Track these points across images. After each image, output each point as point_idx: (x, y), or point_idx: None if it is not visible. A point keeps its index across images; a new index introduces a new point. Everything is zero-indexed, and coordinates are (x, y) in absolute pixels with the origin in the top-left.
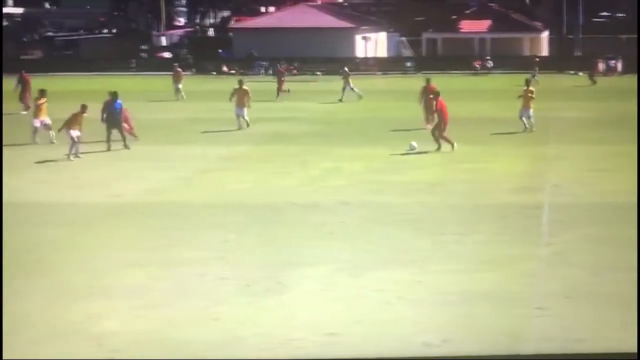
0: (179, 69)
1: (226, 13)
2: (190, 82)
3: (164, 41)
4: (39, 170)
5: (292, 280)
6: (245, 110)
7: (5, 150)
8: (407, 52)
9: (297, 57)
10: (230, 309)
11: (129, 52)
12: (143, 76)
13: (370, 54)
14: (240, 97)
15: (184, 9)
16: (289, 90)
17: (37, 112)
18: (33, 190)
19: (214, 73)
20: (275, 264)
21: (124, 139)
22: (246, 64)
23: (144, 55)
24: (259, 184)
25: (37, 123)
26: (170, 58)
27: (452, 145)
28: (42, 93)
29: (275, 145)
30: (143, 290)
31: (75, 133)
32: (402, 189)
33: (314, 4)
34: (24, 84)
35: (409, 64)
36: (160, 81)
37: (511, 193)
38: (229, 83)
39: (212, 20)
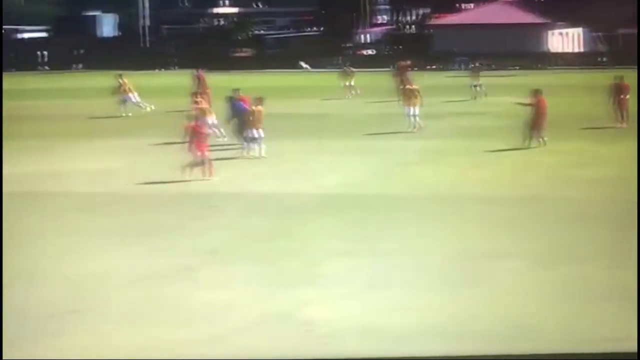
0: (345, 68)
1: (426, 10)
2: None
3: (366, 39)
4: (244, 164)
5: (484, 273)
6: (414, 109)
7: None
8: (603, 48)
9: (493, 53)
10: (423, 300)
11: (334, 49)
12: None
13: (565, 50)
14: (409, 97)
15: (386, 7)
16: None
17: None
18: (242, 181)
19: (416, 69)
20: (468, 256)
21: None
22: (446, 60)
23: (348, 52)
24: (453, 177)
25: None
26: (373, 55)
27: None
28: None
29: (468, 139)
30: (348, 279)
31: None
32: (592, 184)
33: (511, 0)
34: (199, 82)
35: (604, 59)
36: (362, 78)
37: None
38: (426, 79)
39: (412, 17)
